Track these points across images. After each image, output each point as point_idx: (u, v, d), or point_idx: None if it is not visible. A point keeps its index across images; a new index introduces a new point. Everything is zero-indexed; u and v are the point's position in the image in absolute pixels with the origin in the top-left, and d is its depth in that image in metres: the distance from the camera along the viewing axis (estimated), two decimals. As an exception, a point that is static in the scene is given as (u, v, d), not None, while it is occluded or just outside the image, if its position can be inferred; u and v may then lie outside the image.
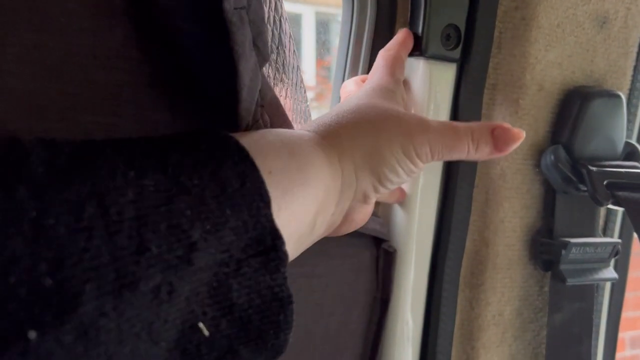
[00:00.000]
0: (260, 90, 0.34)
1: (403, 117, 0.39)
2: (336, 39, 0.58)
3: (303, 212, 0.31)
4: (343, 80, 0.56)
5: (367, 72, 0.56)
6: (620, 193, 0.51)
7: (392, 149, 0.37)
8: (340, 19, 0.56)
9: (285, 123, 0.37)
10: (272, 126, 0.36)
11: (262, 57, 0.33)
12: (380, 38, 0.55)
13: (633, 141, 0.60)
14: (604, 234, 0.62)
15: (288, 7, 0.48)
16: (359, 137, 0.36)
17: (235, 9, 0.29)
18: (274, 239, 0.27)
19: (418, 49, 0.52)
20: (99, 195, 0.23)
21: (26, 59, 0.29)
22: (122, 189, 0.24)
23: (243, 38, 0.30)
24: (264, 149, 0.30)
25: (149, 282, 0.23)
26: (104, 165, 0.24)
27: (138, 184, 0.24)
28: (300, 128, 0.37)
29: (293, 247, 0.32)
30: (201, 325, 0.25)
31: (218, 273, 0.25)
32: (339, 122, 0.37)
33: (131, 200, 0.23)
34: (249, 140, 0.29)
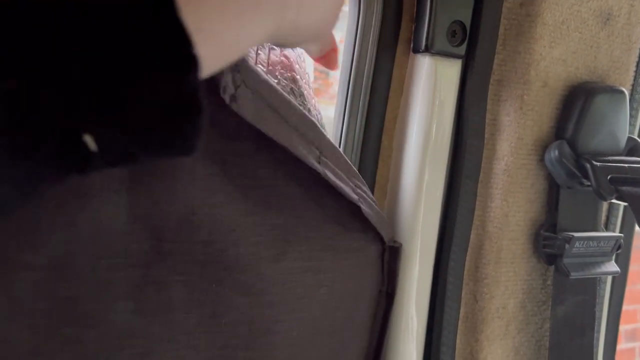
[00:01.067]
0: None
1: None
2: (335, 33, 0.58)
3: (237, 18, 0.26)
4: (349, 78, 0.56)
5: (374, 68, 0.56)
6: (624, 188, 0.51)
7: None
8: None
9: None
10: None
11: None
12: (387, 34, 0.55)
13: (635, 136, 0.60)
14: (606, 228, 0.62)
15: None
16: None
17: None
18: (181, 41, 0.22)
19: (424, 46, 0.53)
20: None
21: None
22: None
23: None
24: None
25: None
26: None
27: None
28: None
29: (223, 46, 0.26)
30: (87, 138, 0.22)
31: (105, 80, 0.21)
32: None
33: None
34: None
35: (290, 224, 0.48)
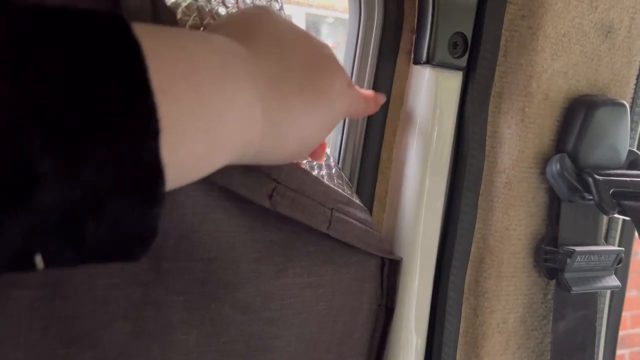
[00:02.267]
0: None
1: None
2: (327, 40, 0.58)
3: (211, 144, 0.27)
4: (349, 87, 0.55)
5: (374, 79, 0.55)
6: (626, 202, 0.51)
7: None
8: (330, 20, 0.55)
9: None
10: None
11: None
12: (388, 45, 0.54)
13: (635, 149, 0.60)
14: (606, 241, 0.62)
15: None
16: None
17: None
18: (154, 180, 0.23)
19: (425, 57, 0.52)
20: None
21: None
22: None
23: None
24: (167, 59, 0.24)
25: None
26: None
27: None
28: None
29: (187, 176, 0.27)
30: (37, 259, 0.22)
31: (68, 212, 0.21)
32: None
33: None
34: (149, 42, 0.23)
35: (290, 239, 0.47)
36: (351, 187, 0.56)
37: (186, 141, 0.25)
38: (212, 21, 0.39)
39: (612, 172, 0.54)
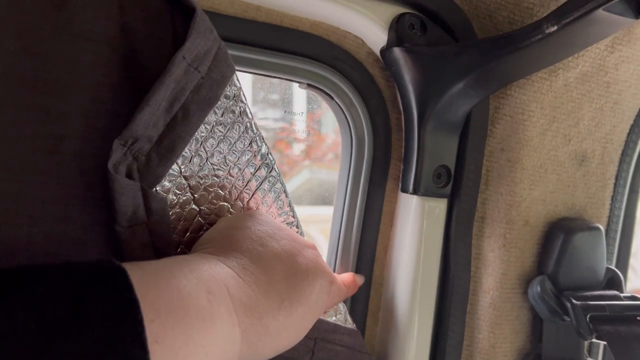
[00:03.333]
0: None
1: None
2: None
3: None
4: (342, 213, 0.59)
5: (366, 203, 0.59)
6: (602, 327, 0.54)
7: None
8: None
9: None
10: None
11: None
12: (377, 173, 0.59)
13: (612, 266, 0.64)
14: (590, 354, 0.65)
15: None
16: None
17: (129, 226, 0.35)
18: None
19: (412, 188, 0.57)
20: None
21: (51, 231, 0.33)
22: None
23: (129, 248, 0.35)
24: (161, 310, 0.28)
25: None
26: None
27: None
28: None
29: None
30: None
31: None
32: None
33: None
34: (147, 293, 0.28)
35: None
36: (344, 304, 0.59)
37: None
38: (204, 193, 0.43)
39: (590, 294, 0.57)
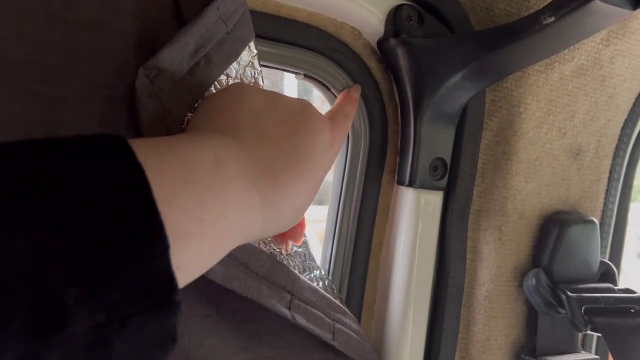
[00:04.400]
0: None
1: None
2: (317, 94, 0.61)
3: (218, 239, 0.30)
4: (339, 204, 0.59)
5: (362, 196, 0.59)
6: (597, 319, 0.54)
7: None
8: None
9: None
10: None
11: None
12: (373, 166, 0.59)
13: (606, 259, 0.64)
14: (583, 347, 0.65)
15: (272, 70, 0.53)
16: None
17: None
18: (169, 291, 0.25)
19: (408, 180, 0.57)
20: None
21: None
22: None
23: None
24: (167, 172, 0.27)
25: (8, 355, 0.21)
26: None
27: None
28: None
29: (198, 272, 0.30)
30: None
31: (97, 333, 0.23)
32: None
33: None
34: (150, 160, 0.26)
35: (282, 355, 0.50)
36: (341, 299, 0.59)
37: (192, 245, 0.28)
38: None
39: (584, 286, 0.58)
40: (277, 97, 0.40)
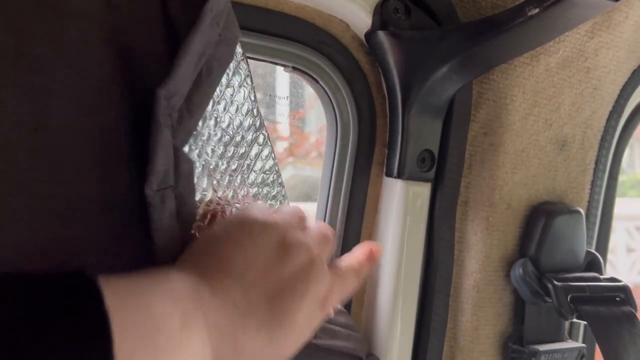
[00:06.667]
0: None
1: None
2: (310, 91, 0.61)
3: None
4: (327, 199, 0.60)
5: (351, 188, 0.60)
6: (583, 307, 0.55)
7: None
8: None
9: None
10: None
11: (183, 226, 0.35)
12: (362, 158, 0.59)
13: (592, 249, 0.65)
14: (570, 336, 0.66)
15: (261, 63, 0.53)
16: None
17: (157, 190, 0.32)
18: None
19: (396, 172, 0.57)
20: None
21: (36, 208, 0.32)
22: None
23: (160, 215, 0.33)
24: (131, 330, 0.28)
25: None
26: None
27: None
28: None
29: None
30: None
31: None
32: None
33: None
34: (117, 311, 0.27)
35: None
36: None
37: None
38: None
39: (570, 275, 0.58)
40: (283, 240, 0.36)
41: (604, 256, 0.70)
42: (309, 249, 0.37)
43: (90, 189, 0.35)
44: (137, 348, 0.27)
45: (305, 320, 0.36)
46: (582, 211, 0.61)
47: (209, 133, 0.42)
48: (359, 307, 0.62)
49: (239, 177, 0.45)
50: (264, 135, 0.46)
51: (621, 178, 0.73)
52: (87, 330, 0.26)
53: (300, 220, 0.40)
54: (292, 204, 0.48)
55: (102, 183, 0.35)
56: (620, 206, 0.72)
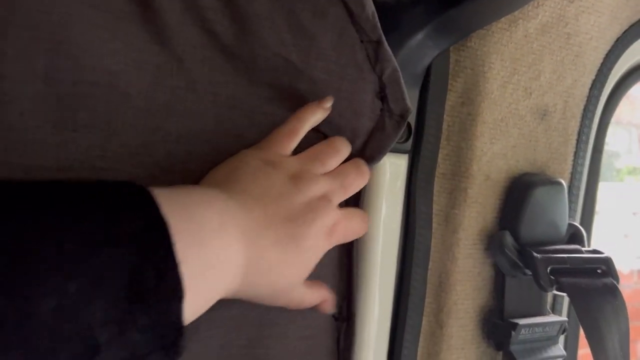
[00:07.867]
0: None
1: None
2: None
3: (211, 292, 0.35)
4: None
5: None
6: (563, 279, 0.54)
7: None
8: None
9: None
10: None
11: None
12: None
13: (576, 222, 0.63)
14: (553, 310, 0.64)
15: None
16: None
17: None
18: (178, 335, 0.30)
19: (372, 143, 0.56)
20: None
21: None
22: (44, 289, 0.25)
23: None
24: (182, 232, 0.32)
25: None
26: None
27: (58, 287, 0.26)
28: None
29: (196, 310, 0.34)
30: None
31: None
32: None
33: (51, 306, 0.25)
34: (171, 218, 0.31)
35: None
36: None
37: (195, 298, 0.32)
38: None
39: (551, 248, 0.57)
40: (297, 178, 0.42)
41: (589, 230, 0.69)
42: (321, 186, 0.43)
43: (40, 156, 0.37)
44: (187, 244, 0.31)
45: (312, 247, 0.41)
46: (564, 182, 0.60)
47: None
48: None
49: None
50: None
51: (618, 164, 0.71)
52: (149, 229, 0.30)
53: (327, 157, 0.45)
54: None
55: None
56: (619, 192, 0.71)
